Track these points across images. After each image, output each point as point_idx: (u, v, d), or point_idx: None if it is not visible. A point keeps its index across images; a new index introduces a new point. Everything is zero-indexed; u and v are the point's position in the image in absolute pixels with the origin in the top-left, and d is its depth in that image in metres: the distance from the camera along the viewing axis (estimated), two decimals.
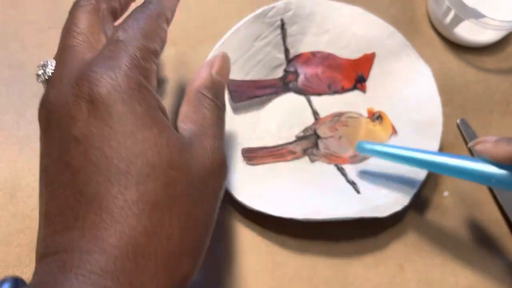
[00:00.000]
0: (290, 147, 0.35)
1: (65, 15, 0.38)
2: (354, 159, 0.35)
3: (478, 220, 0.35)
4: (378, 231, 0.34)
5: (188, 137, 0.23)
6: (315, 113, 0.36)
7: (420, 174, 0.33)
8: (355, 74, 0.36)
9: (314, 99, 0.36)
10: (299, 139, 0.35)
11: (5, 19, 0.38)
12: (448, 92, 0.38)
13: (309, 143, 0.35)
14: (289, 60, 0.35)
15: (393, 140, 0.35)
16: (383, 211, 0.31)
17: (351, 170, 0.35)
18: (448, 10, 0.37)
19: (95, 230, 0.19)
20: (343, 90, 0.37)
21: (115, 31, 0.23)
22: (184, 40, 0.38)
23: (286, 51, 0.35)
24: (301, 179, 0.34)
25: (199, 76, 0.26)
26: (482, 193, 0.36)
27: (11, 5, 0.38)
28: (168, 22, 0.25)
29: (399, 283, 0.33)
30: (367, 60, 0.36)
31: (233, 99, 0.33)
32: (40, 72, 0.24)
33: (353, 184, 0.34)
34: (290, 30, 0.34)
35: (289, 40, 0.34)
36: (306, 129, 0.36)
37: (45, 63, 0.25)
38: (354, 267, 0.33)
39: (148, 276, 0.19)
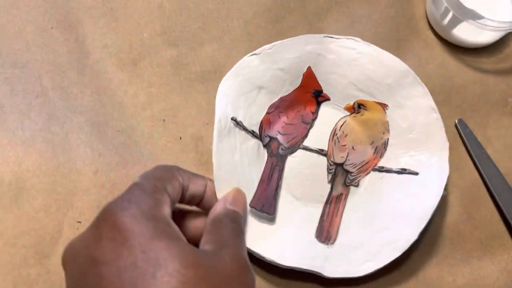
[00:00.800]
0: (334, 194, 0.35)
1: (67, 15, 0.39)
2: (378, 151, 0.35)
3: (476, 219, 0.36)
4: None
5: (209, 251, 0.24)
6: (320, 152, 0.36)
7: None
8: (310, 94, 0.36)
9: (307, 142, 0.36)
10: (332, 181, 0.35)
11: (9, 19, 0.38)
12: (446, 92, 0.38)
13: (342, 176, 0.35)
14: (259, 136, 0.35)
15: (390, 112, 0.35)
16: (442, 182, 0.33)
17: (388, 162, 0.35)
18: (447, 11, 0.37)
19: None
20: (315, 113, 0.37)
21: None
22: (184, 42, 0.39)
23: (252, 132, 0.34)
24: (363, 208, 0.34)
25: (215, 210, 0.28)
26: (480, 192, 0.36)
27: (14, 5, 0.38)
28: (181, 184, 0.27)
29: (397, 281, 0.33)
30: (309, 76, 0.36)
31: (269, 212, 0.32)
32: None
33: (404, 171, 0.34)
34: (240, 118, 0.34)
35: (246, 124, 0.34)
36: (328, 169, 0.36)
37: None
38: None
39: None
